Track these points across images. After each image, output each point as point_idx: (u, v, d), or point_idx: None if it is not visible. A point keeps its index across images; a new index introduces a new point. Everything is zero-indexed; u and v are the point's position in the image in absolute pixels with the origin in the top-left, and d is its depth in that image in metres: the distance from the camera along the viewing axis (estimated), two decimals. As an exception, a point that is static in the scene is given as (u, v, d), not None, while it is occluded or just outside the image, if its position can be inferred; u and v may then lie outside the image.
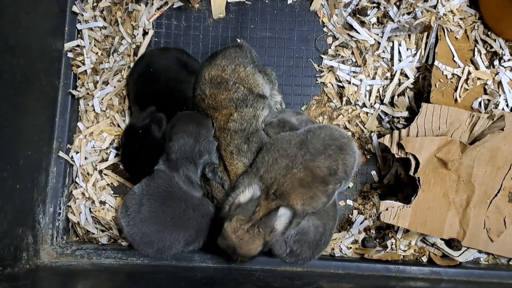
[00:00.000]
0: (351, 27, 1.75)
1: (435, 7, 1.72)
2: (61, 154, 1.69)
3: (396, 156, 1.55)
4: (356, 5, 1.75)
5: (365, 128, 1.73)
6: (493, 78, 1.66)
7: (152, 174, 1.52)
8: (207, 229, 1.54)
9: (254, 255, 1.38)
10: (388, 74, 1.74)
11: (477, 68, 1.68)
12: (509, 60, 1.68)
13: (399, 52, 1.73)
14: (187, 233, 1.52)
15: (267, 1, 1.81)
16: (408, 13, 1.73)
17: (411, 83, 1.72)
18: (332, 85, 1.76)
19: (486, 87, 1.66)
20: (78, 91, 1.73)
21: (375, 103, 1.74)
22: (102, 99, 1.74)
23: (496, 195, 1.56)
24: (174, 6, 1.79)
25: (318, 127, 1.49)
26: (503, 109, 1.65)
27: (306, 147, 1.41)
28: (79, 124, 1.74)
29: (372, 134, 1.72)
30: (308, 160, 1.40)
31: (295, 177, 1.39)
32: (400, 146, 1.53)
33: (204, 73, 1.54)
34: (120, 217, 1.53)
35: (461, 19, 1.71)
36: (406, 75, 1.73)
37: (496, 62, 1.68)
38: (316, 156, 1.40)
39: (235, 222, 1.35)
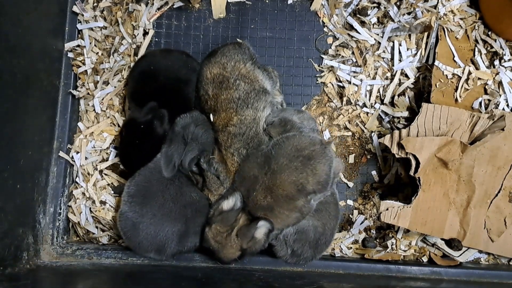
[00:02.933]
0: (351, 27, 1.75)
1: (435, 7, 1.72)
2: (61, 154, 1.69)
3: (397, 156, 1.55)
4: (357, 5, 1.75)
5: (365, 128, 1.73)
6: (494, 78, 1.66)
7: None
8: (198, 219, 1.52)
9: (232, 259, 1.45)
10: (389, 74, 1.74)
11: (477, 68, 1.68)
12: (509, 60, 1.68)
13: (400, 52, 1.73)
14: (175, 228, 1.50)
15: (267, 1, 1.81)
16: (409, 13, 1.73)
17: (412, 83, 1.72)
18: (332, 85, 1.76)
19: (486, 87, 1.66)
20: (78, 91, 1.73)
21: (375, 103, 1.74)
22: (102, 99, 1.74)
23: (496, 195, 1.56)
24: (174, 6, 1.80)
25: (286, 137, 1.44)
26: (503, 109, 1.65)
27: (269, 165, 1.39)
28: (79, 124, 1.74)
29: (372, 134, 1.72)
30: (269, 179, 1.39)
31: (257, 199, 1.41)
32: (400, 146, 1.53)
33: (206, 72, 1.55)
34: (118, 225, 1.54)
35: (461, 19, 1.71)
36: (406, 75, 1.73)
37: (496, 62, 1.68)
38: (278, 173, 1.38)
39: (214, 228, 1.42)
